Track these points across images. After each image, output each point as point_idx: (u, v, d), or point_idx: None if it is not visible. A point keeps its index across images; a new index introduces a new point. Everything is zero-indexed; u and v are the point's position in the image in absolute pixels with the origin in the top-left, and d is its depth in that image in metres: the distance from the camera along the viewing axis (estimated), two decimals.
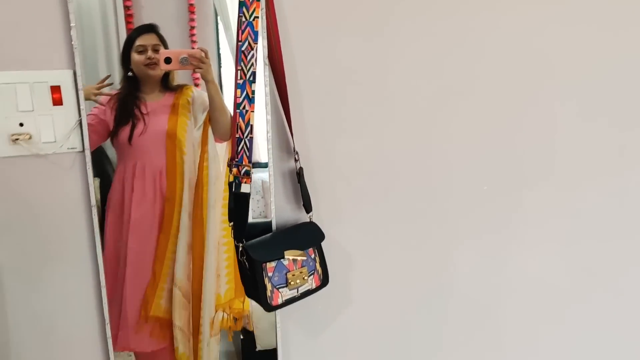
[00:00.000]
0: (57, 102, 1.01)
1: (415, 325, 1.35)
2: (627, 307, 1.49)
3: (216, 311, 1.26)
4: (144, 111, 1.16)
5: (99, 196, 1.16)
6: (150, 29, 1.14)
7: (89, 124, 1.06)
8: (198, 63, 1.11)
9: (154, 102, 1.17)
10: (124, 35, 1.15)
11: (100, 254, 1.09)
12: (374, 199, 1.24)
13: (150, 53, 1.13)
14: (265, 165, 1.17)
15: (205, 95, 1.16)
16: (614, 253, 1.44)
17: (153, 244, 1.19)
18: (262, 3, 1.05)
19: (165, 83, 1.18)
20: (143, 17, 1.14)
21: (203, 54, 1.11)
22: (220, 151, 1.21)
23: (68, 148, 1.04)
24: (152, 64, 1.14)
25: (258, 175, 1.23)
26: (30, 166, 1.03)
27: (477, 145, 1.28)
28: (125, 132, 1.15)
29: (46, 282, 1.09)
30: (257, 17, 1.04)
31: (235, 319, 1.27)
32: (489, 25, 1.23)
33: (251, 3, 1.03)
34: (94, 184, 1.13)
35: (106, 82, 1.12)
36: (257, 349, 1.32)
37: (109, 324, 1.11)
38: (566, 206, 1.37)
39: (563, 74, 1.30)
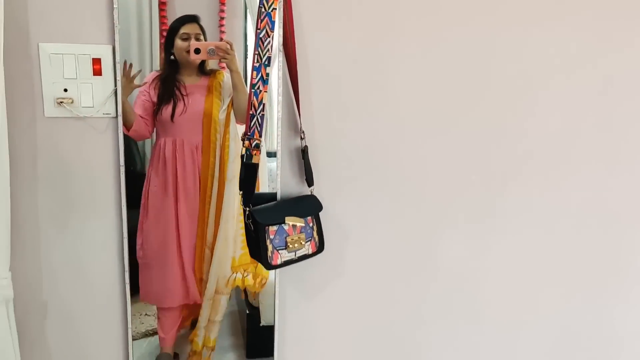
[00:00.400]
0: (97, 72, 1.17)
1: (401, 296, 1.48)
2: (601, 293, 1.61)
3: (232, 273, 1.41)
4: (184, 92, 1.30)
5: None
6: (194, 19, 1.27)
7: (143, 103, 1.24)
8: (224, 54, 1.25)
9: (192, 84, 1.32)
10: (156, 22, 1.28)
11: (124, 209, 1.23)
12: (370, 178, 1.37)
13: (193, 41, 1.27)
14: (275, 155, 1.30)
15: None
16: (592, 243, 1.56)
17: (196, 211, 1.35)
18: None
19: (202, 68, 1.32)
20: (176, 7, 1.27)
21: (228, 46, 1.25)
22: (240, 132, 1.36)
23: (104, 113, 1.19)
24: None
25: (270, 165, 1.37)
26: (71, 127, 1.18)
27: (468, 132, 1.41)
28: (167, 110, 1.29)
29: (77, 230, 1.24)
30: (275, 9, 1.17)
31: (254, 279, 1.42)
32: (478, 22, 1.35)
33: None
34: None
35: (132, 72, 1.22)
36: (261, 324, 1.45)
37: (127, 272, 1.26)
38: (546, 196, 1.49)
39: (544, 70, 1.42)
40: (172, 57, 1.29)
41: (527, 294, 1.56)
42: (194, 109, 1.31)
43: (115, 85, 1.18)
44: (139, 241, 1.34)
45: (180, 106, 1.29)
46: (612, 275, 1.60)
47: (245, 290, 1.47)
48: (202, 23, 1.29)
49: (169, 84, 1.30)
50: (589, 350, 1.66)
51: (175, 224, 1.35)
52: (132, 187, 1.29)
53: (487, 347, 1.58)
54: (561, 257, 1.55)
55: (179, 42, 1.27)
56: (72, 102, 1.17)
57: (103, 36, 1.15)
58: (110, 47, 1.16)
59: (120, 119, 1.19)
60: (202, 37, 1.28)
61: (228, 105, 1.34)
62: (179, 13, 1.28)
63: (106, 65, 1.17)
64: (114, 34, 1.15)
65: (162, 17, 1.28)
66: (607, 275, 1.59)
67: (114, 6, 1.13)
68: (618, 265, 1.59)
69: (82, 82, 1.16)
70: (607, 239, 1.56)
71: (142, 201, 1.34)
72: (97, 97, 1.18)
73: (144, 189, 1.34)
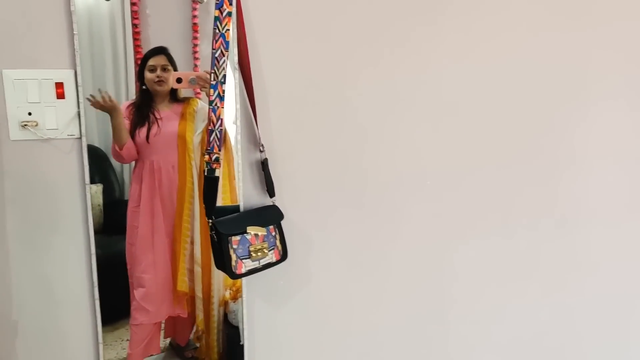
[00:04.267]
0: (60, 96, 1.22)
1: (364, 300, 1.53)
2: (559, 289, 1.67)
3: (225, 288, 1.46)
4: (158, 116, 1.35)
5: (101, 200, 1.34)
6: (161, 51, 1.32)
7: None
8: (204, 83, 1.31)
9: (165, 110, 1.36)
10: (131, 51, 1.32)
11: (92, 227, 1.27)
12: (329, 187, 1.43)
13: (159, 72, 1.32)
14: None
15: (206, 107, 1.32)
16: (547, 242, 1.62)
17: (171, 229, 1.39)
18: (233, 17, 1.26)
19: (174, 96, 1.36)
20: (150, 35, 1.31)
21: (208, 76, 1.31)
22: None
23: (68, 134, 1.24)
24: (160, 81, 1.32)
25: None
26: (36, 149, 1.23)
27: (421, 143, 1.48)
28: (142, 132, 1.33)
29: (45, 249, 1.27)
30: (229, 30, 1.24)
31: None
32: (434, 31, 1.44)
33: (224, 18, 1.23)
34: (96, 188, 1.32)
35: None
36: (240, 343, 1.47)
37: (97, 287, 1.29)
38: (500, 198, 1.56)
39: (492, 75, 1.50)
40: (144, 87, 1.34)
41: (488, 293, 1.61)
42: (167, 129, 1.35)
43: (79, 107, 1.23)
44: (128, 263, 1.38)
45: (154, 128, 1.34)
46: (569, 272, 1.66)
47: (225, 309, 1.51)
48: (176, 51, 1.34)
49: (143, 109, 1.35)
50: (550, 345, 1.71)
51: (151, 241, 1.39)
52: (114, 213, 1.35)
53: (454, 347, 1.63)
54: (519, 256, 1.61)
55: (147, 74, 1.32)
56: (36, 124, 1.21)
57: (65, 61, 1.21)
58: (72, 72, 1.21)
59: (84, 139, 1.24)
60: (169, 68, 1.32)
61: (203, 131, 1.39)
62: (152, 41, 1.32)
63: (69, 89, 1.22)
64: (75, 58, 1.21)
65: (136, 47, 1.32)
66: (564, 272, 1.66)
67: (74, 32, 1.19)
68: (574, 261, 1.66)
69: (46, 105, 1.21)
70: (562, 238, 1.63)
71: (127, 223, 1.38)
72: (60, 119, 1.23)
73: (127, 211, 1.37)
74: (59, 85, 1.22)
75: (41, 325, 1.30)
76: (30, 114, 1.21)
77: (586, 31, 1.54)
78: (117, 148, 1.30)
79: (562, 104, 1.56)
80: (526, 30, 1.50)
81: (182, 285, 1.40)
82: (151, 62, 1.32)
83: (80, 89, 1.22)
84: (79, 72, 1.21)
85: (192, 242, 1.40)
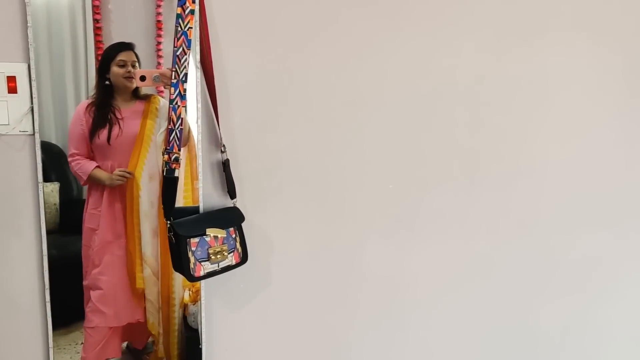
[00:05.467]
0: (12, 90, 1.17)
1: (327, 302, 1.52)
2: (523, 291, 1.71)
3: (183, 289, 1.43)
4: (119, 116, 1.31)
5: (57, 199, 1.31)
6: (130, 46, 1.29)
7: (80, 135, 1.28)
8: (168, 81, 1.26)
9: (127, 108, 1.33)
10: (91, 46, 1.29)
11: (44, 227, 1.23)
12: (292, 188, 1.42)
13: (129, 67, 1.29)
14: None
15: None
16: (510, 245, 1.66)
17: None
18: (196, 16, 1.23)
19: (136, 92, 1.33)
20: (112, 31, 1.28)
21: (172, 74, 1.29)
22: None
23: (20, 131, 1.19)
24: (130, 77, 1.29)
25: None
26: None
27: (385, 146, 1.48)
28: (103, 134, 1.30)
29: None
30: (191, 28, 1.22)
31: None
32: (395, 39, 1.44)
33: (186, 15, 1.21)
34: (52, 186, 1.29)
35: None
36: (200, 346, 1.44)
37: (48, 289, 1.26)
38: (464, 202, 1.58)
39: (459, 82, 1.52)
40: (107, 82, 1.31)
41: (452, 295, 1.63)
42: (129, 131, 1.32)
43: (32, 103, 1.19)
44: (83, 266, 1.34)
45: (115, 129, 1.31)
46: (532, 275, 1.70)
47: (184, 311, 1.48)
48: (139, 48, 1.31)
49: (103, 108, 1.31)
50: (515, 347, 1.74)
51: (111, 244, 1.35)
52: (71, 213, 1.32)
53: (415, 348, 1.64)
54: (482, 259, 1.64)
55: (115, 69, 1.29)
56: None
57: (18, 54, 1.17)
58: (25, 65, 1.17)
59: (37, 135, 1.20)
60: (137, 64, 1.30)
61: (166, 130, 1.36)
62: (115, 37, 1.29)
63: (22, 83, 1.18)
64: (29, 51, 1.16)
65: (97, 42, 1.29)
66: (527, 275, 1.69)
67: (28, 25, 1.15)
68: (539, 263, 1.70)
69: None
70: (525, 241, 1.67)
71: (83, 226, 1.34)
72: (12, 114, 1.18)
73: (84, 213, 1.34)
74: (11, 79, 1.17)
75: None
76: None
77: (543, 39, 1.57)
78: (80, 179, 1.30)
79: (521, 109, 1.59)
80: (479, 41, 1.52)
81: (140, 282, 1.37)
82: (121, 57, 1.29)
83: (34, 83, 1.18)
84: (32, 66, 1.17)
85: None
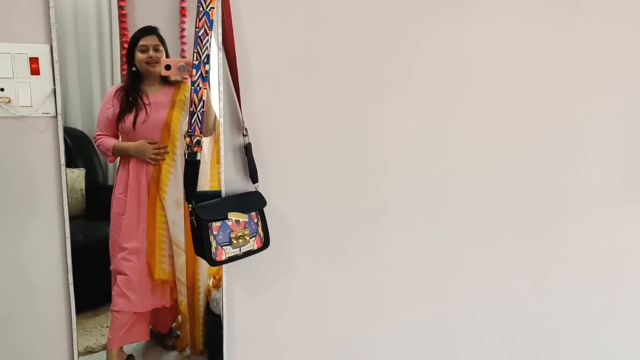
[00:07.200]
0: (35, 71, 1.17)
1: (348, 288, 1.50)
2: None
3: (208, 277, 1.44)
4: (146, 102, 1.31)
5: (83, 185, 1.32)
6: (152, 30, 1.29)
7: (108, 117, 1.29)
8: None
9: (155, 94, 1.33)
10: (116, 33, 1.29)
11: (67, 209, 1.23)
12: (314, 174, 1.40)
13: (151, 52, 1.29)
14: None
15: None
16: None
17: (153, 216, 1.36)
18: None
19: (165, 78, 1.33)
20: (136, 17, 1.28)
21: (193, 55, 1.27)
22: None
23: (43, 113, 1.19)
24: (152, 62, 1.29)
25: None
26: (9, 126, 1.18)
27: (410, 131, 1.45)
28: (129, 118, 1.30)
29: (19, 232, 1.23)
30: (213, 8, 1.19)
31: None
32: (430, 23, 1.40)
33: None
34: (79, 172, 1.30)
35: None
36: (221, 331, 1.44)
37: (71, 272, 1.26)
38: (481, 190, 1.54)
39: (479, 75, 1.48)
40: (134, 68, 1.31)
41: (471, 285, 1.60)
42: (156, 117, 1.32)
43: (54, 85, 1.18)
44: (110, 250, 1.35)
45: (142, 115, 1.31)
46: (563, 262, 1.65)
47: (207, 297, 1.48)
48: (163, 33, 1.31)
49: (132, 93, 1.31)
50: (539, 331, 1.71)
51: (136, 229, 1.35)
52: (96, 198, 1.32)
53: (440, 333, 1.61)
54: (508, 247, 1.60)
55: (138, 54, 1.29)
56: (9, 101, 1.16)
57: (40, 35, 1.16)
58: (47, 46, 1.16)
59: (60, 117, 1.19)
60: (160, 48, 1.30)
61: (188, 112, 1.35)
62: (139, 24, 1.28)
63: (44, 65, 1.17)
64: (52, 32, 1.15)
65: (122, 29, 1.29)
66: (552, 272, 1.65)
67: (50, 5, 1.14)
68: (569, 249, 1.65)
69: (19, 81, 1.16)
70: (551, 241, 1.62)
71: (111, 210, 1.35)
72: (35, 96, 1.18)
73: (112, 198, 1.34)
74: (34, 61, 1.16)
75: (14, 310, 1.25)
76: (2, 89, 1.16)
77: (582, 37, 1.52)
78: (107, 157, 1.31)
79: (561, 106, 1.54)
80: (523, 36, 1.47)
81: (160, 273, 1.37)
82: (143, 42, 1.29)
83: (56, 65, 1.17)
84: (54, 47, 1.16)
85: (167, 230, 1.36)
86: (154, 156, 1.31)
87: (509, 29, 1.47)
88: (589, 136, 1.61)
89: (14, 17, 1.14)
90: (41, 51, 1.16)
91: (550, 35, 1.50)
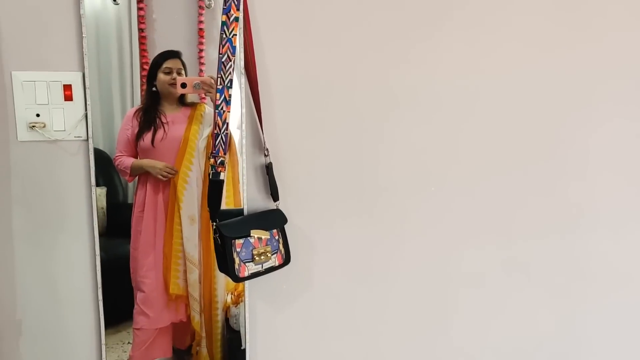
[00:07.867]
0: (68, 98, 1.23)
1: (368, 304, 1.53)
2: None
3: (226, 292, 1.46)
4: (164, 120, 1.36)
5: (104, 203, 1.35)
6: (176, 54, 1.34)
7: (127, 138, 1.34)
8: (208, 88, 1.32)
9: (173, 113, 1.37)
10: (137, 55, 1.34)
11: (97, 228, 1.29)
12: (333, 192, 1.44)
13: (175, 75, 1.34)
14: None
15: (212, 112, 1.33)
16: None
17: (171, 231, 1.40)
18: (240, 23, 1.27)
19: (182, 99, 1.38)
20: (156, 40, 1.33)
21: (212, 81, 1.32)
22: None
23: (75, 136, 1.25)
24: (174, 84, 1.33)
25: None
26: (44, 150, 1.24)
27: (428, 149, 1.48)
28: (148, 136, 1.35)
29: (50, 249, 1.29)
30: (236, 35, 1.25)
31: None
32: (441, 39, 1.44)
33: (231, 23, 1.24)
34: (100, 191, 1.33)
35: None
36: (242, 347, 1.47)
37: (100, 288, 1.31)
38: (507, 206, 1.56)
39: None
40: (154, 88, 1.36)
41: (492, 300, 1.61)
42: (174, 135, 1.36)
43: (86, 110, 1.25)
44: (131, 267, 1.38)
45: (160, 132, 1.35)
46: (573, 279, 1.66)
47: (226, 313, 1.51)
48: (182, 54, 1.35)
49: (151, 113, 1.36)
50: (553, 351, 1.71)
51: (153, 246, 1.40)
52: (117, 216, 1.36)
53: (457, 355, 1.62)
54: (527, 262, 1.62)
55: (162, 76, 1.34)
56: (44, 126, 1.23)
57: (73, 63, 1.23)
58: (80, 74, 1.23)
59: (91, 141, 1.25)
60: (183, 72, 1.34)
61: (209, 135, 1.40)
62: (158, 46, 1.33)
63: (77, 91, 1.24)
64: (84, 61, 1.22)
65: (142, 51, 1.34)
66: (568, 279, 1.65)
67: (83, 35, 1.20)
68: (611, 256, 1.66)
69: (53, 107, 1.23)
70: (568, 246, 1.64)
71: (132, 228, 1.38)
72: (68, 121, 1.24)
73: (132, 216, 1.38)
74: (67, 88, 1.23)
75: (45, 325, 1.31)
76: (38, 115, 1.23)
77: (590, 41, 1.54)
78: (125, 176, 1.35)
79: (569, 111, 1.56)
80: (530, 40, 1.50)
81: (174, 288, 1.40)
82: (168, 64, 1.33)
83: (88, 91, 1.24)
84: (87, 75, 1.23)
85: (183, 245, 1.40)
86: (165, 173, 1.35)
87: (518, 37, 1.49)
88: (600, 145, 1.61)
89: (49, 48, 1.21)
90: (74, 78, 1.23)
91: (560, 42, 1.52)
